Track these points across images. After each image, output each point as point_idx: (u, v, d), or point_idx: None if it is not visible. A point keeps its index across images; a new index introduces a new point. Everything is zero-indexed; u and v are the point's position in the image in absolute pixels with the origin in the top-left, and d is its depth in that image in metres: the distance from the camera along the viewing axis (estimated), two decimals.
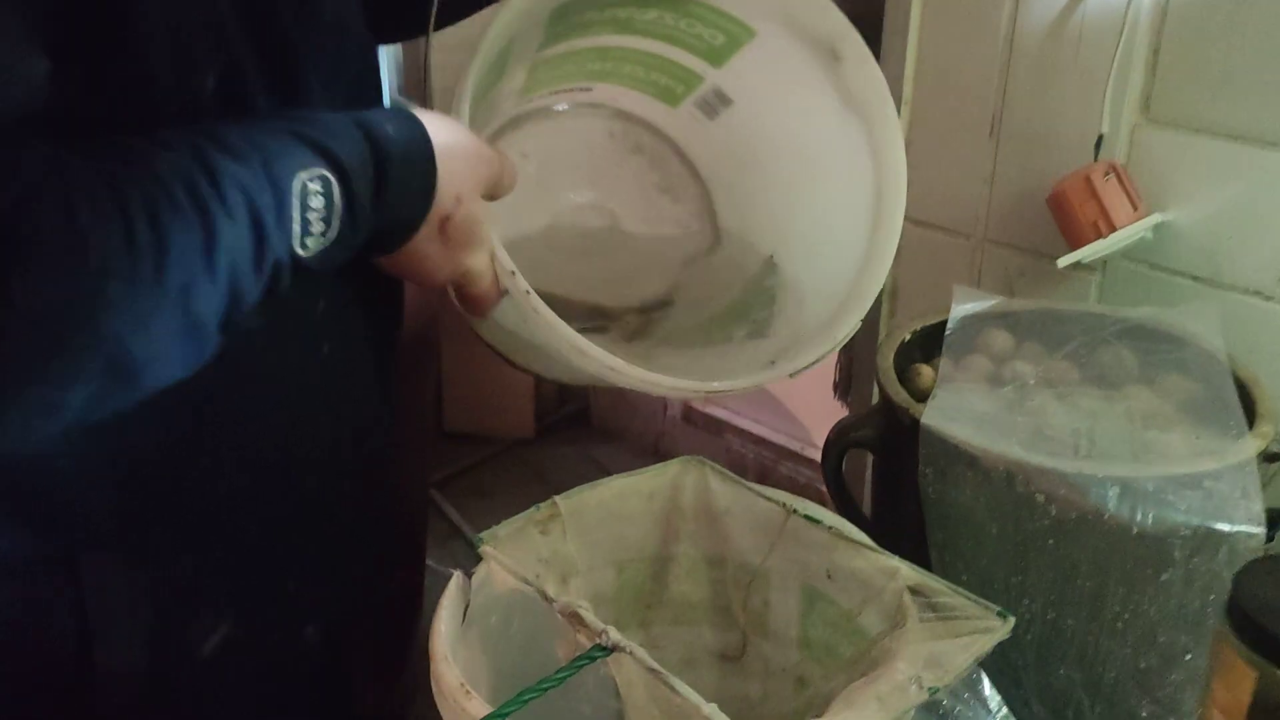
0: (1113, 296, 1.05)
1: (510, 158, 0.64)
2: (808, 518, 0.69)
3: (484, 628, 0.66)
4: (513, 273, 0.63)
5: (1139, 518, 0.68)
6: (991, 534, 0.72)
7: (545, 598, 0.60)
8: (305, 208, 0.48)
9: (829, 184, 0.82)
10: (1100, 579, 0.69)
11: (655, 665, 0.54)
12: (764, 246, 0.87)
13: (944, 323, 0.91)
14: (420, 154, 0.56)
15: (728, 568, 0.73)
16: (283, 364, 0.60)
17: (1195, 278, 0.98)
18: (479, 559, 0.66)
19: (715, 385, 0.71)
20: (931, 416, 0.76)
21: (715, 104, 0.85)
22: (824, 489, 0.91)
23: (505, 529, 0.67)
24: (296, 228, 0.48)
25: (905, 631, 0.60)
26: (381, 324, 0.69)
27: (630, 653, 0.55)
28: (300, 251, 0.49)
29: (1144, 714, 0.71)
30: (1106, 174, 0.97)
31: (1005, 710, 0.66)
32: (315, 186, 0.49)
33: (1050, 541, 0.70)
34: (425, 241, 0.59)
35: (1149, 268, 1.02)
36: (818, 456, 0.92)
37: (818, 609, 0.69)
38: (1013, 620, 0.58)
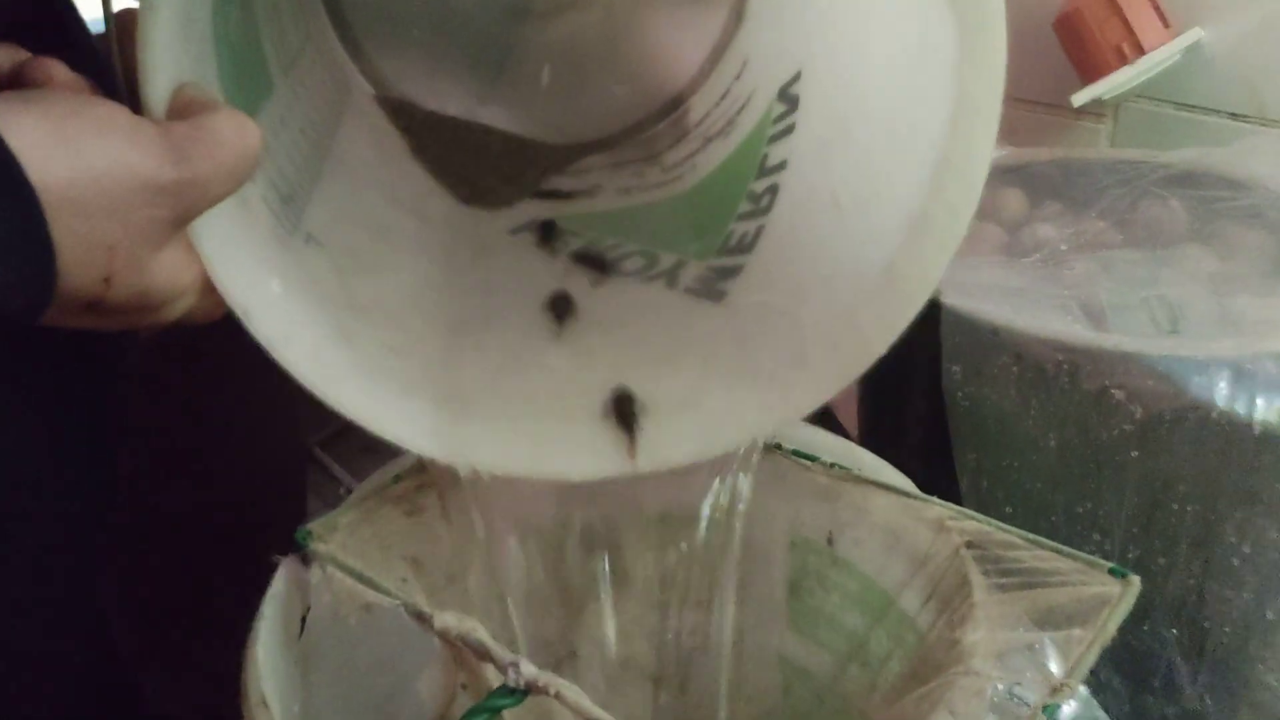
0: (1128, 146, 0.86)
1: (232, 128, 0.32)
2: (796, 454, 0.48)
3: (328, 645, 0.44)
4: None
5: (1259, 412, 0.49)
6: (1048, 448, 0.54)
7: (420, 617, 0.37)
8: None
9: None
10: (1206, 500, 0.52)
11: (598, 713, 0.32)
12: (793, 53, 0.44)
13: None
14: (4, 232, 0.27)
15: (673, 524, 0.52)
16: None
17: (1234, 115, 0.82)
18: None
19: (557, 466, 0.39)
20: (954, 295, 0.55)
21: None
22: None
23: (347, 515, 0.44)
24: None
25: (973, 609, 0.39)
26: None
27: (556, 694, 0.33)
28: None
29: (1271, 681, 0.52)
30: None
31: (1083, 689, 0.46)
32: None
33: (1134, 453, 0.52)
34: (60, 319, 0.32)
35: (1174, 107, 0.84)
36: None
37: (832, 579, 0.48)
38: (1137, 582, 0.38)
